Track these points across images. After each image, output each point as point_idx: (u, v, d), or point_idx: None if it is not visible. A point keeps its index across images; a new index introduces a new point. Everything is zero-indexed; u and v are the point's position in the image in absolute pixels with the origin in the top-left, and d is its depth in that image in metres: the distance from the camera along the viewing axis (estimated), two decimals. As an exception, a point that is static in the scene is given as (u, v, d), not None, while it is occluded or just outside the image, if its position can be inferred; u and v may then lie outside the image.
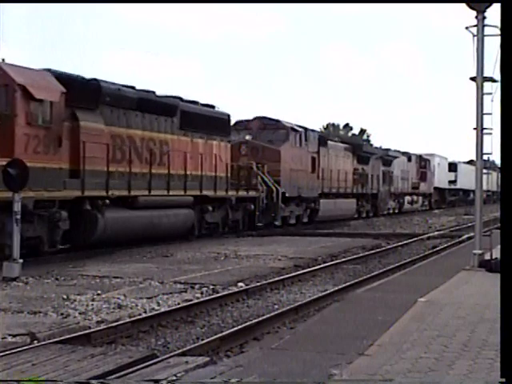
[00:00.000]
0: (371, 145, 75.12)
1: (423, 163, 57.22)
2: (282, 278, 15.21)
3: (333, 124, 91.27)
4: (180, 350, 8.50)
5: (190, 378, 6.83)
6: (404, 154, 52.99)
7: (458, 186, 71.41)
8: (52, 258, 17.19)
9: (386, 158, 47.41)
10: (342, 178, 37.78)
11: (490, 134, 14.59)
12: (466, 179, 71.48)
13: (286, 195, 29.98)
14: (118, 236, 19.50)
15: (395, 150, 51.98)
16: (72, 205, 17.82)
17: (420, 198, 56.81)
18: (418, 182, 55.17)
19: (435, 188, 61.74)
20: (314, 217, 34.19)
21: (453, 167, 70.15)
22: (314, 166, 33.58)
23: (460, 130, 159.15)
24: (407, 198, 52.71)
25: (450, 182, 68.90)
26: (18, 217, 14.26)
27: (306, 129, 32.95)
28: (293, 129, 31.44)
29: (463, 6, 13.90)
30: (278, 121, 31.34)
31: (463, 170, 72.72)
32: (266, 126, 31.06)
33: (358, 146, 42.88)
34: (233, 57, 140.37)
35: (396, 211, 49.73)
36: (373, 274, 15.70)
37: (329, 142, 37.11)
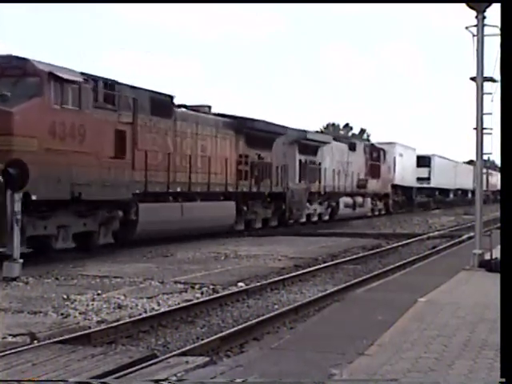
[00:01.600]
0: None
1: (375, 154, 43.72)
2: (282, 277, 15.21)
3: (333, 124, 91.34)
4: (180, 350, 8.50)
5: (190, 378, 6.83)
6: (341, 139, 40.98)
7: (433, 184, 59.74)
8: (52, 257, 17.17)
9: (307, 142, 32.88)
10: (202, 168, 23.65)
11: (490, 133, 14.60)
12: (444, 176, 61.76)
13: (34, 198, 15.96)
14: None
15: (326, 134, 41.73)
16: None
17: (368, 199, 42.32)
18: (367, 178, 41.32)
19: (396, 186, 49.06)
20: (130, 233, 20.27)
21: (425, 161, 57.97)
22: (124, 147, 19.51)
23: (460, 129, 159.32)
24: (344, 201, 38.10)
25: (421, 179, 57.01)
26: (19, 217, 14.27)
27: (108, 82, 19.27)
28: (54, 76, 16.87)
29: (463, 5, 13.92)
30: (25, 60, 16.87)
31: (439, 165, 61.30)
32: (6, 70, 16.74)
33: (247, 121, 27.13)
34: (233, 57, 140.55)
35: (325, 218, 35.95)
36: (373, 274, 15.70)
37: (178, 110, 23.03)
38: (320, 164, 34.97)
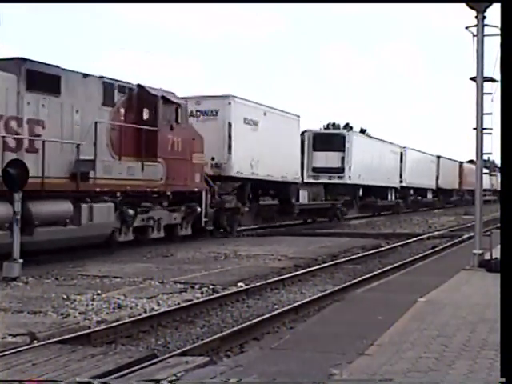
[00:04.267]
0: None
1: (149, 109, 20.12)
2: (281, 277, 15.20)
3: (333, 124, 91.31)
4: (180, 350, 8.50)
5: (190, 378, 6.83)
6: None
7: (350, 178, 37.69)
8: (52, 257, 17.17)
9: None
10: None
11: (490, 133, 14.59)
12: (373, 167, 40.42)
13: None
14: None
15: None
16: None
17: (106, 206, 18.25)
18: (95, 159, 17.96)
19: (244, 181, 26.57)
20: None
21: (335, 142, 37.20)
22: None
23: (460, 129, 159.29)
24: None
25: (328, 170, 36.88)
26: (18, 217, 14.27)
27: None
28: None
29: (463, 5, 13.91)
30: None
31: (364, 148, 39.09)
32: None
33: None
34: (233, 57, 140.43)
35: None
36: (373, 274, 15.69)
37: None
38: None
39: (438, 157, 59.21)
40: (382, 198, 44.44)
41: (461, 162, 66.95)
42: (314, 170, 36.28)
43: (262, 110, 28.07)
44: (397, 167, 46.99)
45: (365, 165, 39.28)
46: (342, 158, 37.39)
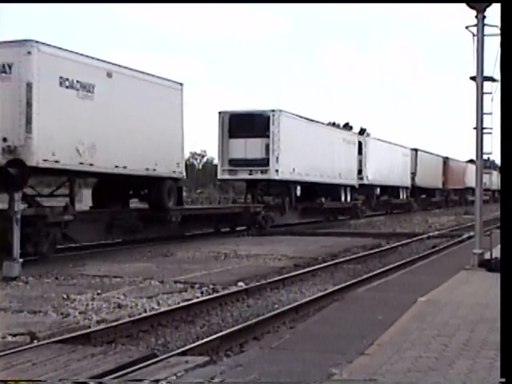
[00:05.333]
0: None
1: None
2: (282, 277, 15.21)
3: (333, 123, 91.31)
4: (180, 350, 8.50)
5: (190, 378, 6.83)
6: None
7: (277, 174, 28.61)
8: (52, 257, 17.18)
9: None
10: None
11: (490, 133, 14.59)
12: (315, 158, 32.02)
13: None
14: None
15: None
16: None
17: None
18: None
19: (47, 171, 17.90)
20: None
21: (256, 125, 28.56)
22: None
23: (460, 129, 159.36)
24: None
25: (246, 163, 28.73)
26: (18, 216, 14.27)
27: None
28: None
29: (463, 5, 13.91)
30: None
31: (298, 132, 30.14)
32: None
33: None
34: (233, 56, 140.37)
35: None
36: (373, 274, 15.69)
37: None
38: None
39: (415, 150, 51.10)
40: (334, 199, 35.70)
41: (446, 158, 59.91)
42: (231, 162, 28.51)
43: (104, 68, 18.95)
44: (353, 161, 37.72)
45: (302, 156, 30.37)
46: (267, 146, 28.35)
